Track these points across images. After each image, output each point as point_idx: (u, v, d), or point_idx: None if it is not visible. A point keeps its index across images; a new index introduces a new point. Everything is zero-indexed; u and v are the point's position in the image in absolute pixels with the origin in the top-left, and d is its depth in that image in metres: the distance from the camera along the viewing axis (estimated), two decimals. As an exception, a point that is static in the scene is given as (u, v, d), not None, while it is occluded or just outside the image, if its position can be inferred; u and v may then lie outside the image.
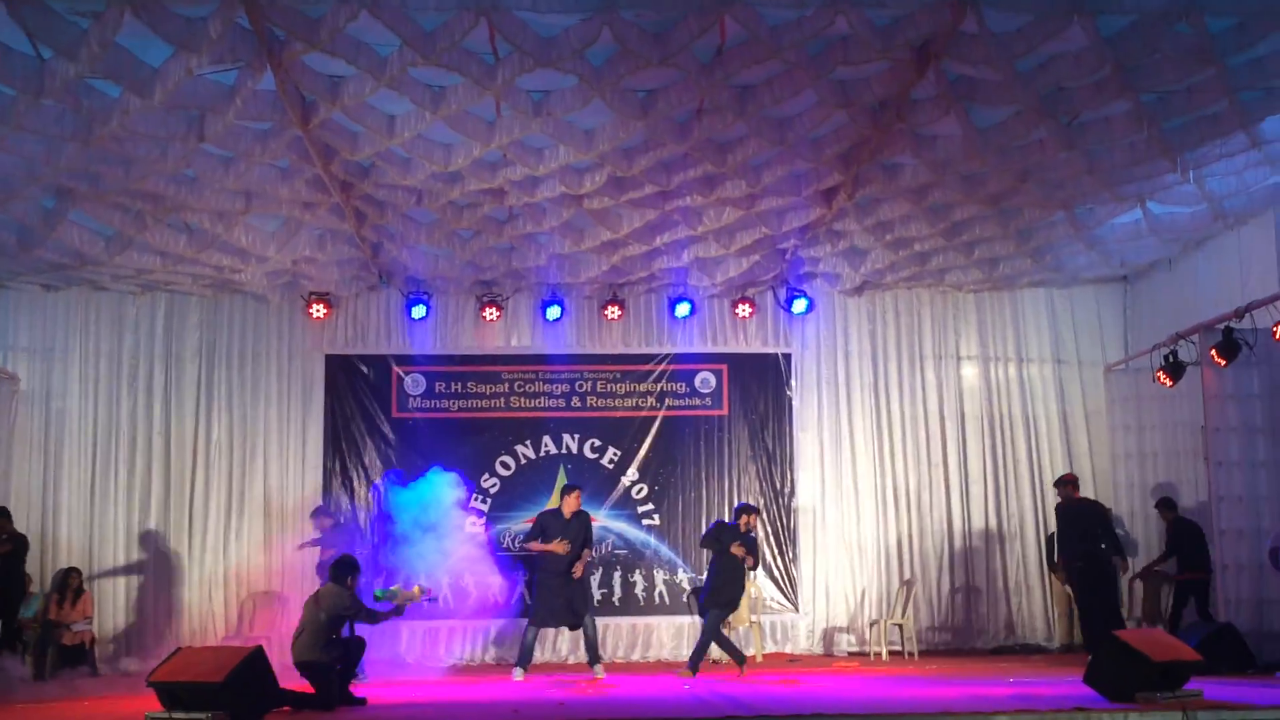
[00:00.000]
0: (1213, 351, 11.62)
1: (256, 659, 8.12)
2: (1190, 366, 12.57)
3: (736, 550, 11.75)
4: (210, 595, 14.42)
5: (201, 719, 7.60)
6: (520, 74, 9.47)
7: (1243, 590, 11.51)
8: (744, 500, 14.46)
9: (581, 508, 12.19)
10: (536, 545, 11.99)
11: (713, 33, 9.08)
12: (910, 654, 13.92)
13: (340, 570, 9.84)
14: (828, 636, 14.91)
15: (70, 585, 13.50)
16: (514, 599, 14.47)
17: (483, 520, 14.69)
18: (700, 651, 11.97)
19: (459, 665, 13.91)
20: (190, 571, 14.50)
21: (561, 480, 14.91)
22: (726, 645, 11.99)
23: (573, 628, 12.17)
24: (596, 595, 14.53)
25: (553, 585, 11.83)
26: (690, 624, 14.75)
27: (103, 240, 12.83)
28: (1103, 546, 12.77)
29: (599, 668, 11.94)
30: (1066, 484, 13.81)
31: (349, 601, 9.68)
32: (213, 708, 7.65)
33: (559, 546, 11.78)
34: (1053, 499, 15.10)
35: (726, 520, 12.79)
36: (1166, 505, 13.35)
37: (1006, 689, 9.47)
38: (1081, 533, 13.18)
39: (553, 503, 14.16)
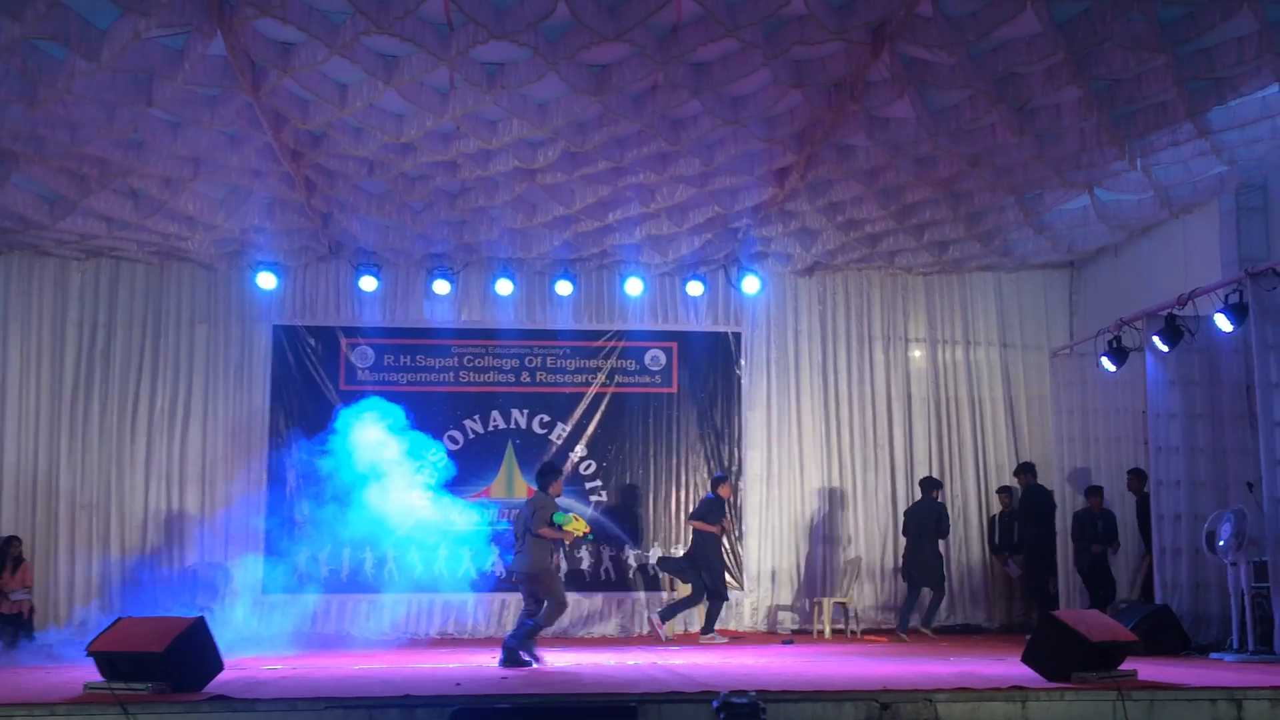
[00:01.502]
0: (1155, 338, 11.77)
1: (197, 629, 8.04)
2: (1134, 352, 12.73)
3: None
4: (152, 564, 14.28)
5: (141, 689, 7.50)
6: (474, 45, 9.41)
7: (1180, 574, 11.69)
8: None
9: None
10: (703, 525, 13.63)
11: (669, 9, 9.05)
12: (853, 632, 14.05)
13: (542, 475, 10.47)
14: (771, 614, 15.00)
15: (10, 554, 13.33)
16: (463, 572, 14.41)
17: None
18: (930, 615, 14.10)
19: (406, 640, 13.82)
20: (131, 539, 14.36)
21: (510, 455, 14.91)
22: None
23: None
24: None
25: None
26: (636, 600, 14.79)
27: (46, 204, 12.64)
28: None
29: (708, 637, 13.23)
30: (1026, 471, 14.10)
31: (550, 506, 10.08)
32: (153, 678, 7.53)
33: (720, 526, 13.74)
34: (996, 481, 15.33)
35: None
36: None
37: (946, 667, 9.57)
38: (1044, 517, 13.52)
39: (501, 479, 14.93)
